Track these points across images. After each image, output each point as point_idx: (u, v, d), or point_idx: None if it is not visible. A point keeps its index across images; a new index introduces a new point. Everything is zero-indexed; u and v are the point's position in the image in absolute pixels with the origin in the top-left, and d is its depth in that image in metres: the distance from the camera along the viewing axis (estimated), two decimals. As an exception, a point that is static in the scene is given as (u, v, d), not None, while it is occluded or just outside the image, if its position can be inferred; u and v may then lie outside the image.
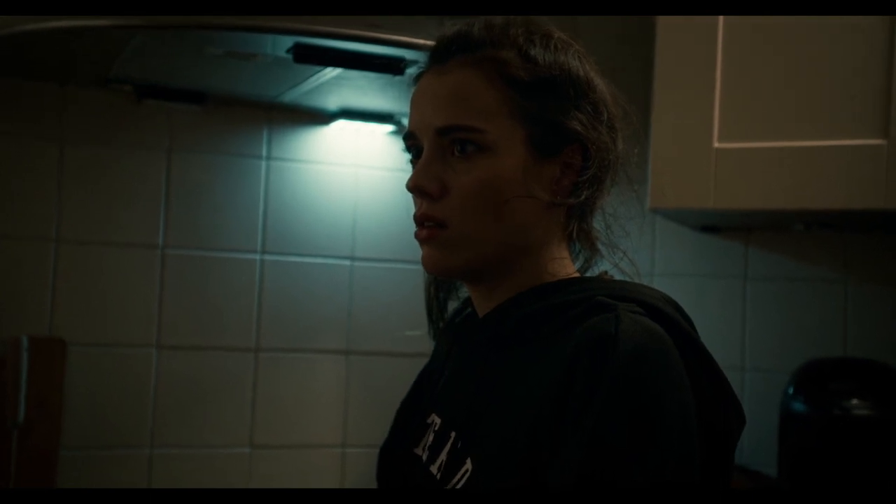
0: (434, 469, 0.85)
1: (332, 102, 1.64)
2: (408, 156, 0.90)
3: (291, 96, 1.59)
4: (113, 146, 1.60)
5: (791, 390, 1.45)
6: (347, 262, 1.72)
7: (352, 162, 1.70)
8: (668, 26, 1.44)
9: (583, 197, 0.85)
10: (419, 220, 0.85)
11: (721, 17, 1.41)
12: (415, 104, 0.88)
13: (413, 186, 0.85)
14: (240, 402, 1.67)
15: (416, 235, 0.86)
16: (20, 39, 1.30)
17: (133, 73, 1.50)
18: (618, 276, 0.91)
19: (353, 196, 1.69)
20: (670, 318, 0.80)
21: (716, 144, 1.40)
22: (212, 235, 1.65)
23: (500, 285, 0.87)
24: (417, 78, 0.91)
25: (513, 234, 0.85)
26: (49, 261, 1.56)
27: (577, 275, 0.88)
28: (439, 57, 0.88)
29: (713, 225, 1.71)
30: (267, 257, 1.69)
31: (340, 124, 1.71)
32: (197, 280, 1.64)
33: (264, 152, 1.69)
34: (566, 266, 0.88)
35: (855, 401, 1.38)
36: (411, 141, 0.88)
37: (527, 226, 0.85)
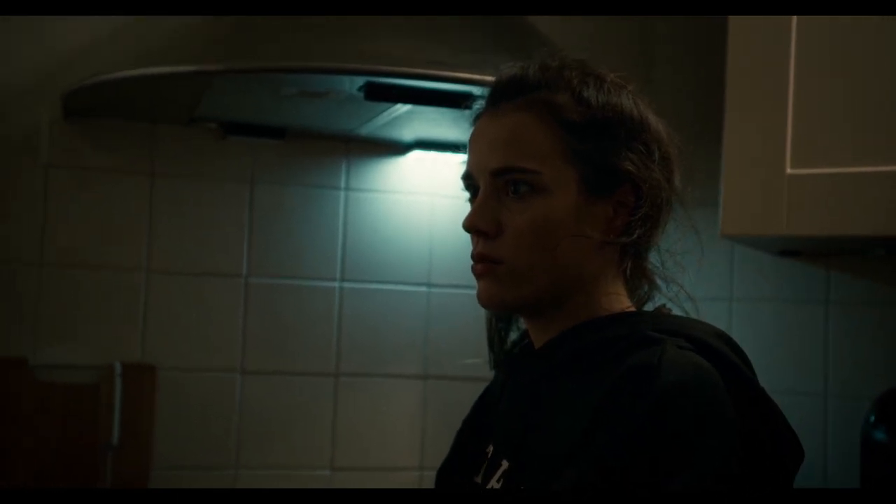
0: None
1: (407, 134, 1.69)
2: (467, 195, 0.93)
3: (368, 129, 1.64)
4: (200, 180, 1.68)
5: (872, 418, 1.42)
6: (424, 289, 1.76)
7: (427, 191, 1.74)
8: (738, 50, 1.42)
9: (635, 235, 0.87)
10: (476, 258, 0.89)
11: (793, 43, 1.38)
12: (472, 146, 0.92)
13: (469, 226, 0.88)
14: (320, 425, 1.72)
15: (473, 270, 0.89)
16: (115, 85, 1.40)
17: (217, 111, 1.58)
18: (676, 311, 0.92)
19: (429, 224, 1.73)
20: (719, 354, 0.81)
21: (788, 171, 1.38)
22: (293, 264, 1.71)
23: (554, 319, 0.89)
24: (475, 120, 0.94)
25: (565, 271, 0.87)
26: (140, 290, 1.64)
27: (631, 309, 0.90)
28: (495, 99, 0.91)
29: (793, 249, 1.68)
30: (346, 285, 1.74)
31: (416, 155, 1.75)
32: (278, 307, 1.70)
33: (343, 183, 1.74)
34: (621, 301, 0.89)
35: (939, 431, 1.34)
36: (468, 181, 0.92)
37: (579, 263, 0.87)
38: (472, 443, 0.97)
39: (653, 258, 0.92)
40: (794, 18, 1.38)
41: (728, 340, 0.85)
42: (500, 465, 0.88)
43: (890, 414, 1.40)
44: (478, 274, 0.89)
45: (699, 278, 1.75)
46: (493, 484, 0.87)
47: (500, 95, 0.90)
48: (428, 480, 1.75)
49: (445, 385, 1.75)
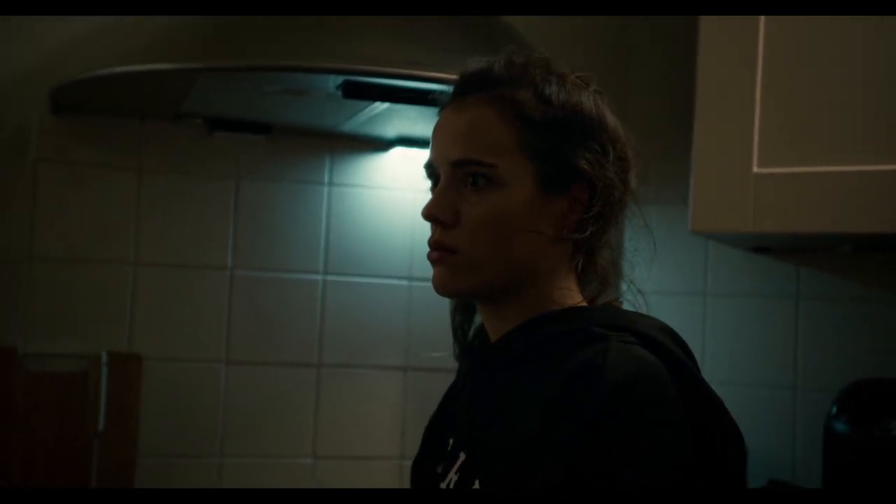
0: (444, 486, 0.91)
1: (390, 131, 1.72)
2: (429, 183, 0.96)
3: (350, 126, 1.68)
4: (186, 175, 1.71)
5: (834, 410, 1.46)
6: (406, 282, 1.80)
7: (409, 186, 1.78)
8: (708, 50, 1.44)
9: (588, 232, 0.90)
10: (432, 245, 0.92)
11: (761, 43, 1.41)
12: (435, 136, 0.94)
13: (428, 215, 0.91)
14: (303, 414, 1.75)
15: (428, 257, 0.92)
16: (103, 81, 1.44)
17: (203, 108, 1.62)
18: (627, 306, 0.95)
19: (411, 219, 1.77)
20: (664, 348, 0.84)
21: (755, 169, 1.41)
22: (277, 257, 1.74)
23: (507, 310, 0.92)
24: (441, 111, 0.97)
25: (518, 263, 0.90)
26: (128, 282, 1.68)
27: (582, 304, 0.93)
28: (460, 92, 0.94)
29: (764, 246, 1.71)
30: (329, 278, 1.77)
31: (398, 151, 1.79)
32: (263, 299, 1.74)
33: (326, 178, 1.78)
34: (572, 295, 0.92)
35: (898, 422, 1.38)
36: (430, 171, 0.94)
37: (532, 257, 0.90)
38: (438, 434, 1.01)
39: (606, 254, 0.95)
40: (763, 19, 1.40)
41: (672, 334, 0.88)
42: (458, 457, 0.91)
43: (851, 406, 1.44)
44: (433, 261, 0.91)
45: (674, 274, 1.81)
46: (452, 476, 0.90)
47: (465, 88, 0.93)
48: (408, 470, 1.78)
49: (425, 377, 1.78)
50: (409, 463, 1.83)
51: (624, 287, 0.96)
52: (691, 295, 1.81)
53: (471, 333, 1.01)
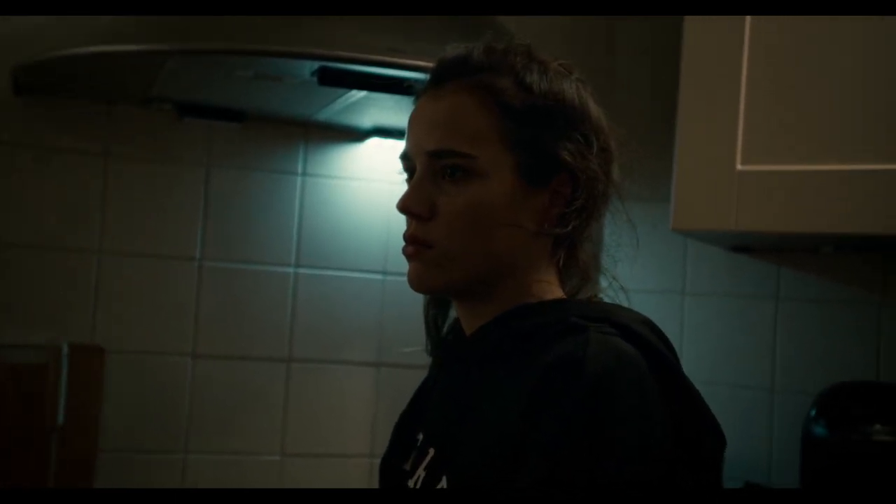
0: (412, 484, 0.88)
1: (366, 121, 1.68)
2: (405, 175, 0.93)
3: (325, 115, 1.64)
4: (155, 162, 1.66)
5: (813, 413, 1.44)
6: (380, 276, 1.76)
7: (385, 178, 1.73)
8: (692, 47, 1.42)
9: (570, 227, 0.87)
10: (407, 240, 0.88)
11: (747, 39, 1.39)
12: (411, 126, 0.91)
13: (403, 208, 0.88)
14: (272, 410, 1.71)
15: (403, 252, 0.89)
16: (67, 61, 1.38)
17: (173, 92, 1.57)
18: (608, 301, 0.92)
19: (387, 211, 1.73)
20: (643, 339, 0.81)
21: (739, 167, 1.39)
22: (248, 249, 1.70)
23: (484, 305, 0.89)
24: (417, 99, 0.93)
25: (497, 258, 0.87)
26: (92, 271, 1.63)
27: (561, 297, 0.90)
28: (437, 79, 0.90)
29: (744, 245, 1.70)
30: (301, 271, 1.73)
31: (375, 141, 1.75)
32: (232, 291, 1.69)
33: (300, 168, 1.74)
34: (552, 289, 0.89)
35: (877, 426, 1.36)
36: (406, 162, 0.91)
37: (512, 252, 0.87)
38: (407, 431, 0.97)
39: (588, 249, 0.92)
40: (748, 17, 1.39)
41: (653, 327, 0.86)
42: (427, 452, 0.88)
43: (830, 409, 1.42)
44: (408, 256, 0.88)
45: (653, 271, 1.78)
46: (420, 472, 0.87)
47: (443, 75, 0.89)
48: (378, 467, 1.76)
49: (398, 373, 1.75)
50: (379, 461, 1.81)
51: (605, 283, 0.93)
52: (669, 293, 1.79)
53: (445, 328, 0.98)
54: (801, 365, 1.64)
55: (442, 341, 0.98)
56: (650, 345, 0.82)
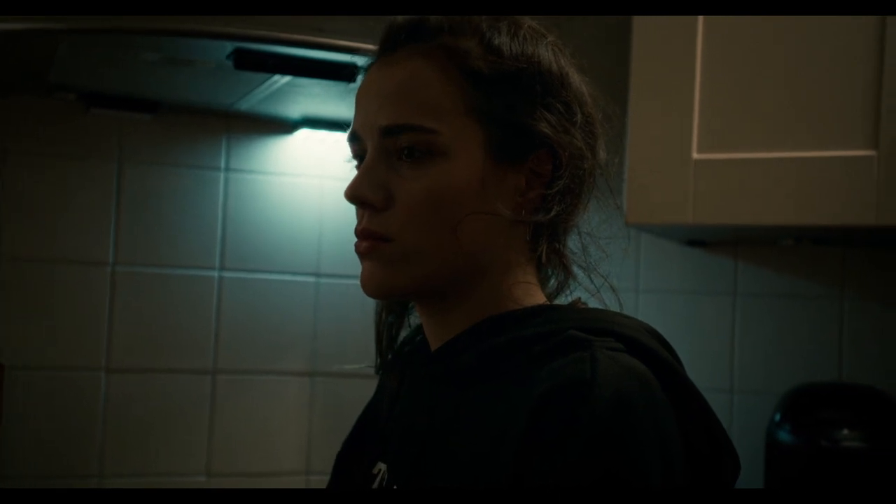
0: None
1: (294, 110, 1.57)
2: (354, 162, 0.80)
3: (248, 104, 1.52)
4: (59, 158, 1.53)
5: (777, 417, 1.36)
6: (312, 279, 1.65)
7: (317, 173, 1.63)
8: (644, 30, 1.36)
9: (553, 213, 0.74)
10: (360, 234, 0.75)
11: (701, 21, 1.33)
12: (358, 101, 0.78)
13: (352, 196, 0.75)
14: (196, 427, 1.60)
15: (356, 249, 0.75)
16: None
17: (75, 80, 1.43)
18: (593, 305, 0.80)
19: (319, 209, 1.62)
20: (653, 353, 0.70)
21: (695, 155, 1.32)
22: (166, 251, 1.59)
23: (454, 311, 0.76)
24: (366, 70, 0.80)
25: (467, 253, 0.74)
26: (-11, 280, 1.49)
27: (545, 302, 0.77)
28: (388, 46, 0.77)
29: (700, 239, 1.63)
30: (226, 274, 1.62)
31: (304, 133, 1.64)
32: (150, 299, 1.57)
33: (223, 163, 1.62)
34: (533, 292, 0.77)
35: (846, 431, 1.28)
36: (356, 143, 0.78)
37: (485, 245, 0.74)
38: (357, 461, 0.83)
39: (572, 243, 0.79)
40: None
41: (660, 338, 0.74)
42: (392, 489, 0.75)
43: (795, 413, 1.35)
44: (361, 253, 0.75)
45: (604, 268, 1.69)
46: None
47: (395, 41, 0.76)
48: (315, 486, 1.64)
49: (334, 383, 1.65)
50: (316, 478, 1.68)
51: (590, 283, 0.80)
52: (622, 291, 1.70)
53: (399, 339, 0.84)
54: (762, 363, 1.59)
55: (398, 354, 0.84)
56: (662, 361, 0.70)
